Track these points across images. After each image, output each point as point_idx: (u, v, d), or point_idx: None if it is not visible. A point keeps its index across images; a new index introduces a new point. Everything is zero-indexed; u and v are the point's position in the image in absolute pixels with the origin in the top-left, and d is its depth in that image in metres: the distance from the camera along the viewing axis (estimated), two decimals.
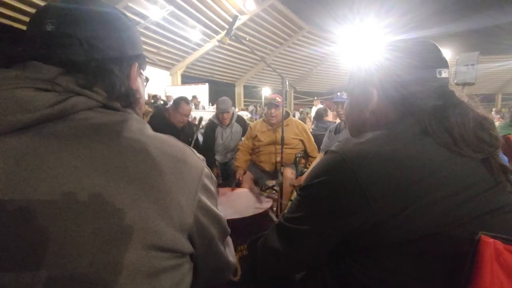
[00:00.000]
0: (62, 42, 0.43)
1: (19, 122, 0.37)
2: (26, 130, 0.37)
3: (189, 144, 0.50)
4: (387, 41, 0.64)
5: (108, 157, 0.38)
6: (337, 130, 2.21)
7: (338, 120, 2.92)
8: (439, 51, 0.59)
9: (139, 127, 0.44)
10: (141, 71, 0.55)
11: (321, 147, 2.38)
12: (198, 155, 0.50)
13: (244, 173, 2.47)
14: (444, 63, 0.58)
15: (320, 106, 7.06)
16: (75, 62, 0.43)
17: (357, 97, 0.65)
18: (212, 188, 0.50)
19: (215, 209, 0.50)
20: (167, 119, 2.48)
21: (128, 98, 0.48)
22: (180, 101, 2.48)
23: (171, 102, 3.26)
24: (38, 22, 0.44)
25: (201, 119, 2.42)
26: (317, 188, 0.53)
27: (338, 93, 2.13)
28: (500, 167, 0.50)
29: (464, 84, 4.32)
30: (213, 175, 0.51)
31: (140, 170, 0.40)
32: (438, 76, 0.57)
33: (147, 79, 0.58)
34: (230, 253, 0.59)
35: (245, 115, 7.09)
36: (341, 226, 0.50)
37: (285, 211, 0.61)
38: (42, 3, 5.96)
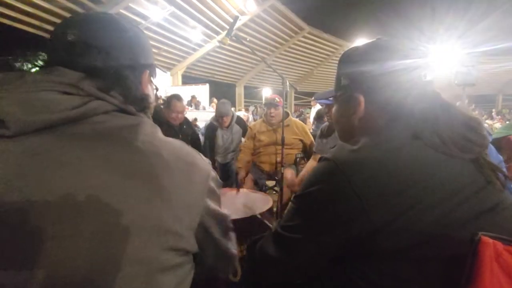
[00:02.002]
0: (82, 51, 0.47)
1: (43, 122, 0.39)
2: (49, 130, 0.40)
3: (188, 144, 0.52)
4: (369, 43, 0.63)
5: (123, 158, 0.41)
6: (328, 133, 2.16)
7: None
8: (424, 54, 0.59)
9: (152, 130, 0.47)
10: (151, 78, 0.59)
11: (313, 149, 2.36)
12: (205, 158, 0.53)
13: (246, 174, 2.47)
14: (428, 66, 0.58)
15: (318, 106, 7.08)
16: (94, 68, 0.47)
17: (344, 104, 0.64)
18: (218, 190, 0.53)
19: (220, 209, 0.53)
20: (164, 118, 2.49)
21: (142, 103, 0.52)
22: (171, 99, 2.50)
23: None
24: (61, 32, 0.48)
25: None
26: (312, 196, 0.53)
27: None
28: (489, 166, 0.51)
29: (465, 85, 4.32)
30: (218, 177, 0.54)
31: (153, 171, 0.42)
32: (423, 79, 0.57)
33: (156, 88, 0.62)
34: (233, 246, 0.60)
35: (243, 115, 7.08)
36: (338, 234, 0.50)
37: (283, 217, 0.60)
38: (44, 4, 5.98)
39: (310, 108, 9.01)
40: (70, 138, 0.40)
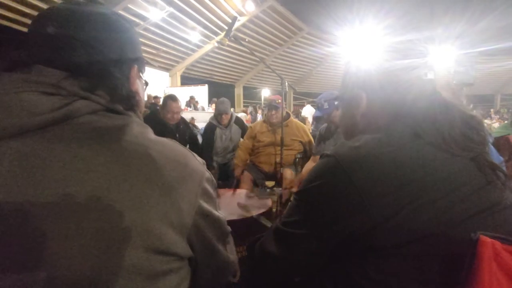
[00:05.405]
0: (64, 44, 0.43)
1: (24, 126, 0.37)
2: (31, 134, 0.38)
3: (185, 143, 0.50)
4: (375, 43, 0.65)
5: (110, 161, 0.39)
6: (327, 136, 2.15)
7: None
8: (425, 53, 0.61)
9: (141, 131, 0.45)
10: (140, 74, 0.55)
11: (313, 151, 2.35)
12: (199, 159, 0.50)
13: (242, 172, 2.49)
14: (430, 65, 0.59)
15: (309, 107, 7.25)
16: (78, 64, 0.43)
17: (348, 101, 0.66)
18: (212, 191, 0.50)
19: (215, 212, 0.50)
20: (161, 119, 2.52)
21: (129, 101, 0.48)
22: (167, 100, 2.54)
23: None
24: (40, 25, 0.44)
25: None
26: (313, 192, 0.53)
27: (323, 101, 2.00)
28: (489, 165, 0.51)
29: (463, 85, 4.33)
30: (213, 178, 0.52)
31: (141, 173, 0.40)
32: (424, 77, 0.58)
33: (146, 83, 0.58)
34: (231, 251, 0.59)
35: (243, 116, 7.18)
36: (338, 229, 0.50)
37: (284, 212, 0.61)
38: (40, 4, 5.97)
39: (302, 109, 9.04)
40: (52, 141, 0.38)
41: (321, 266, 0.57)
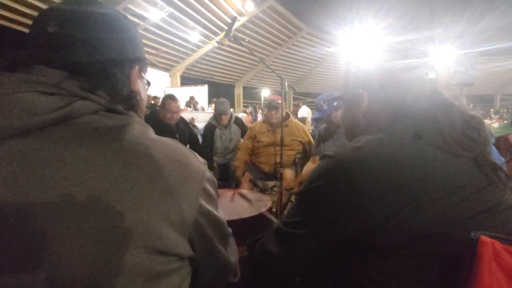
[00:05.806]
0: (64, 44, 0.43)
1: (24, 126, 0.37)
2: (31, 134, 0.38)
3: (185, 143, 0.50)
4: (376, 43, 0.65)
5: (111, 161, 0.39)
6: (326, 137, 2.14)
7: None
8: (425, 53, 0.61)
9: (142, 130, 0.45)
10: (142, 74, 0.54)
11: (312, 151, 2.34)
12: (200, 158, 0.50)
13: (244, 173, 2.48)
14: (430, 64, 0.59)
15: (305, 107, 7.25)
16: (78, 64, 0.43)
17: (350, 101, 0.67)
18: (213, 191, 0.50)
19: (216, 212, 0.50)
20: (160, 119, 2.53)
21: (130, 101, 0.48)
22: (166, 100, 2.57)
23: None
24: (41, 24, 0.44)
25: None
26: (315, 192, 0.54)
27: (321, 102, 2.01)
28: (490, 165, 0.51)
29: (463, 85, 4.33)
30: (214, 178, 0.51)
31: (142, 173, 0.40)
32: (425, 77, 0.58)
33: (148, 83, 0.58)
34: (233, 254, 0.59)
35: (244, 116, 7.19)
36: (339, 230, 0.51)
37: (285, 213, 0.61)
38: (40, 4, 5.97)
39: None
40: (52, 141, 0.38)
41: (321, 266, 0.58)
